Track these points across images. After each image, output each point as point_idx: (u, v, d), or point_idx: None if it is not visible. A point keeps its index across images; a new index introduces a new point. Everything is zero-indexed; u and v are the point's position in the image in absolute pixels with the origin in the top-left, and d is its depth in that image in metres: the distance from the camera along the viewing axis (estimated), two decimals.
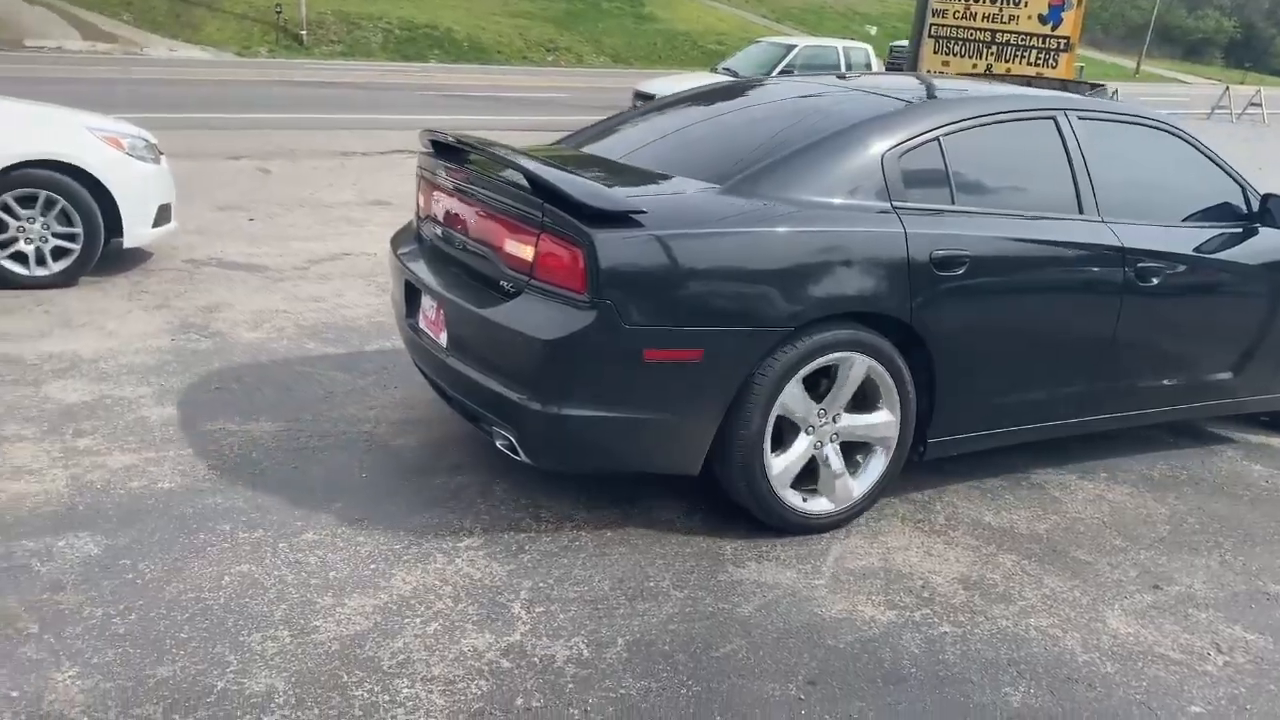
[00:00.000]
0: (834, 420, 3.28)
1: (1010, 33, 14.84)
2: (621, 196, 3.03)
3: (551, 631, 2.71)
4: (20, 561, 2.86)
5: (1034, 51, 14.65)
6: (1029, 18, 14.70)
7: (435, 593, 2.85)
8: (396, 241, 3.92)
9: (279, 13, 28.96)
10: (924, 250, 3.24)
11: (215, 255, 6.54)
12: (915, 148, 3.39)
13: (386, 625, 2.68)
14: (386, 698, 2.40)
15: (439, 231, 3.56)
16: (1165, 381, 4.04)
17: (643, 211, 2.92)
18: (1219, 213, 4.17)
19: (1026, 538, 3.47)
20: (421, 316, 3.51)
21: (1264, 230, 4.17)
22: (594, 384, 2.94)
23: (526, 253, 3.00)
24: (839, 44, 12.36)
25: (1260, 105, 25.89)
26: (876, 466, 3.41)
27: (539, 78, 25.29)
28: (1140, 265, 3.74)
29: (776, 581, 3.05)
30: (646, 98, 11.93)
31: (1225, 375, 4.20)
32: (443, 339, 3.30)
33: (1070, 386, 3.76)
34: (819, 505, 3.34)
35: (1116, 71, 47.81)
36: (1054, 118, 3.75)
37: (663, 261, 2.91)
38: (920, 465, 3.94)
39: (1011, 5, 14.90)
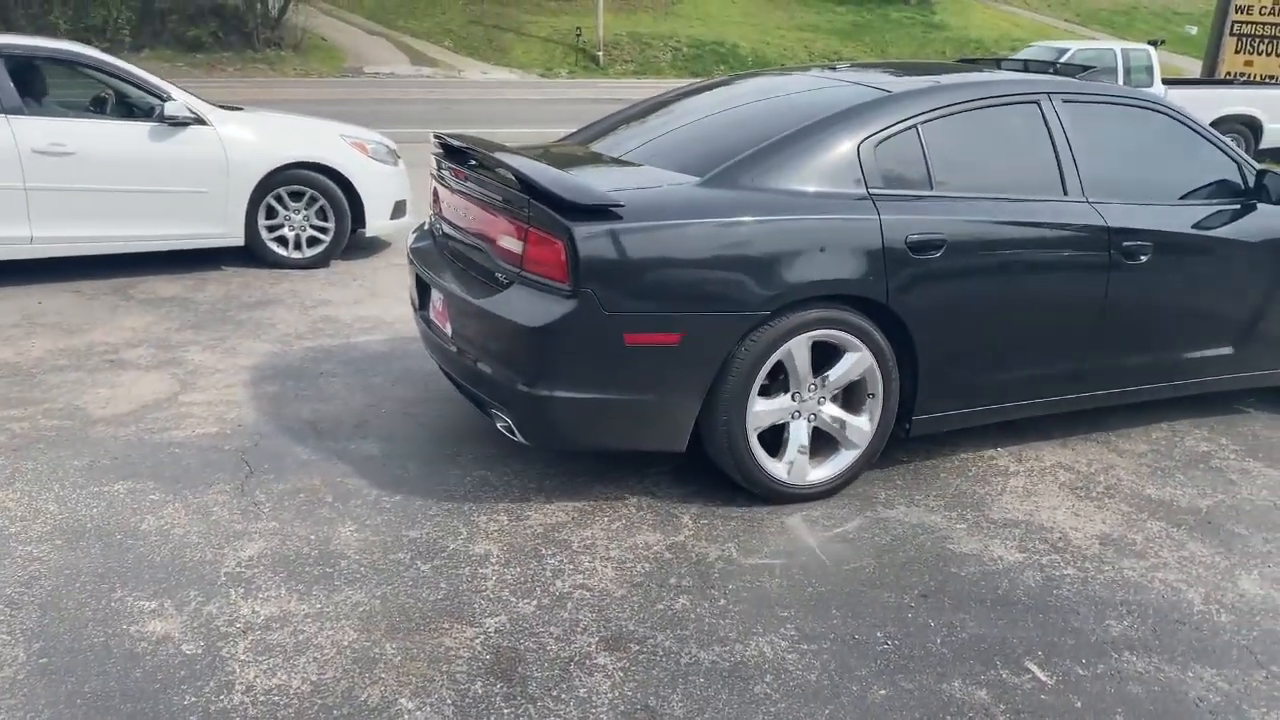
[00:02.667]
0: (818, 403, 3.49)
1: None
2: (600, 191, 3.21)
3: (710, 537, 3.28)
4: (325, 455, 3.81)
5: None
6: None
7: (623, 501, 3.50)
8: (413, 239, 4.22)
9: (579, 35, 31.25)
10: (900, 235, 3.40)
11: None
12: (892, 136, 3.54)
13: (581, 520, 3.37)
14: (571, 566, 3.08)
15: (446, 229, 3.83)
16: (1159, 357, 4.11)
17: (620, 205, 3.13)
18: (1214, 190, 4.21)
19: (1184, 510, 3.62)
20: (431, 309, 3.75)
21: (1261, 207, 4.21)
22: (578, 368, 3.17)
23: (517, 246, 3.22)
24: (1117, 46, 11.89)
25: None
26: (846, 459, 3.58)
27: None
28: (1127, 244, 3.82)
29: (920, 521, 3.45)
30: None
31: (1225, 350, 4.25)
32: (448, 329, 3.55)
33: (1058, 364, 3.87)
34: (821, 471, 3.55)
35: None
36: (1038, 102, 3.85)
37: (640, 251, 3.14)
38: (1095, 442, 4.15)
39: None
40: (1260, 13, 14.60)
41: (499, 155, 3.42)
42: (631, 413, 3.30)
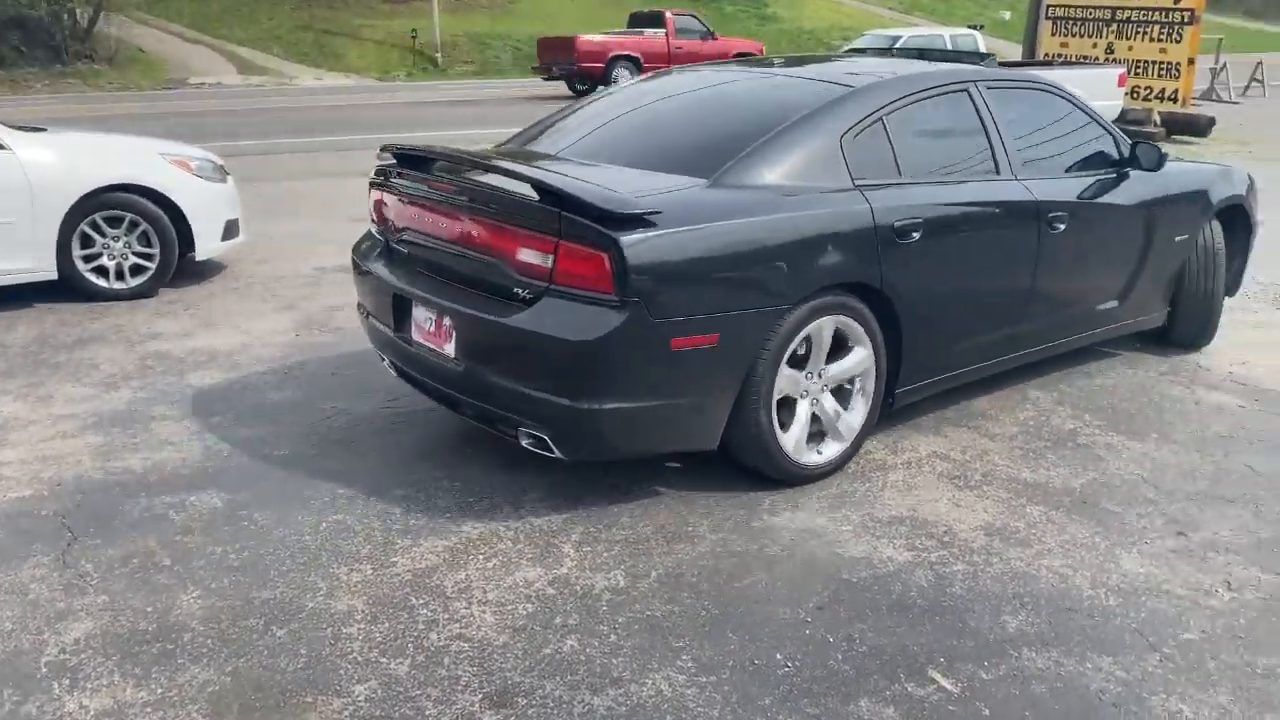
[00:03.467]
0: (821, 390, 3.66)
1: (1131, 9, 14.42)
2: (636, 200, 3.19)
3: (594, 566, 3.08)
4: (160, 512, 3.43)
5: (1156, 27, 14.21)
6: None
7: (498, 536, 3.27)
8: (363, 255, 4.05)
9: (414, 38, 30.49)
10: (887, 221, 3.61)
11: (344, 263, 7.20)
12: (866, 128, 3.75)
13: (454, 561, 3.12)
14: (445, 615, 2.83)
15: (424, 244, 3.64)
16: (1072, 314, 4.58)
17: (658, 212, 3.15)
18: (1100, 161, 4.66)
19: (1060, 491, 3.64)
20: (415, 329, 3.62)
21: (1134, 174, 4.68)
22: (628, 378, 3.16)
23: (542, 259, 3.15)
24: (946, 33, 12.31)
25: None
26: (861, 403, 3.78)
27: None
28: (1050, 215, 4.22)
29: (806, 527, 3.34)
30: None
31: (1114, 303, 4.76)
32: (449, 349, 3.43)
33: (1003, 328, 4.24)
34: (829, 451, 3.70)
35: (1277, 42, 44.96)
36: (967, 89, 4.18)
37: (681, 256, 3.16)
38: (966, 428, 4.15)
39: None
40: None
41: (509, 166, 3.42)
42: (674, 416, 3.33)
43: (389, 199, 3.84)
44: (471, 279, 3.44)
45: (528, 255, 3.21)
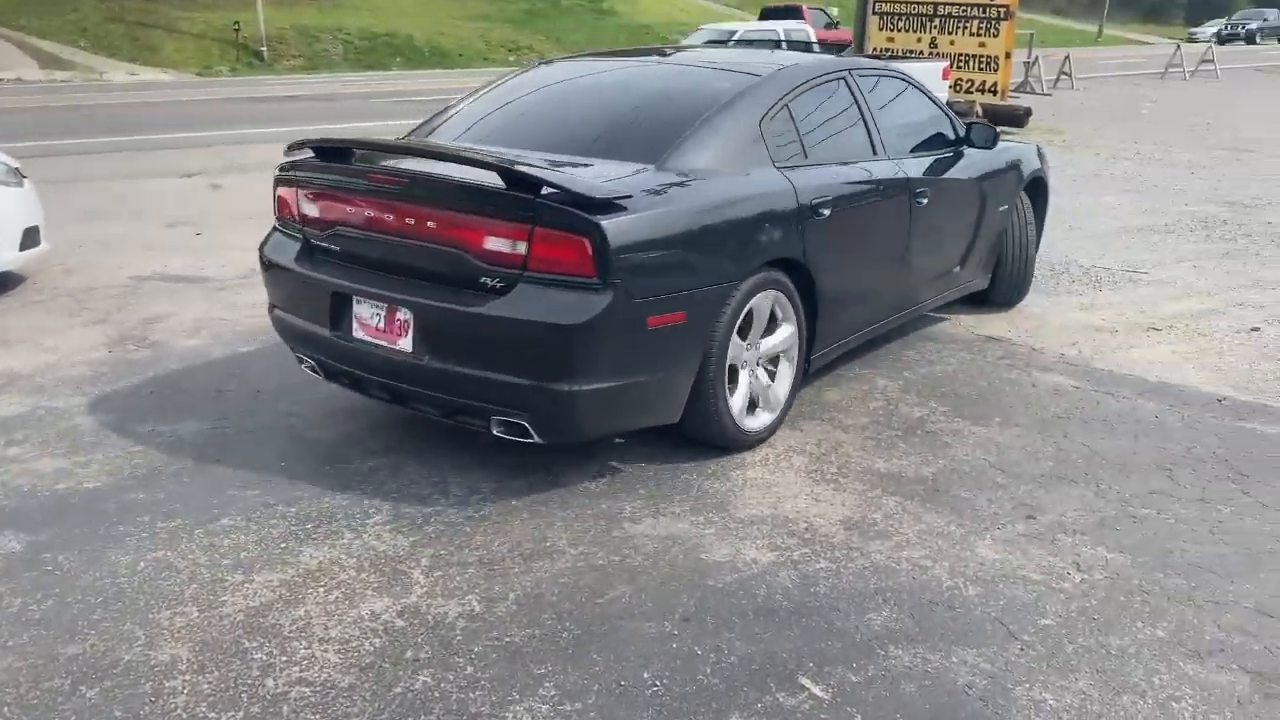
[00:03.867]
0: (756, 364, 3.90)
1: (952, 4, 15.04)
2: (608, 185, 3.32)
3: (446, 592, 2.89)
4: None
5: (975, 22, 14.87)
6: None
7: (340, 565, 3.03)
8: (277, 253, 3.89)
9: (237, 30, 29.03)
10: (806, 200, 3.90)
11: (160, 270, 6.69)
12: (778, 114, 4.04)
13: (290, 596, 2.86)
14: (284, 658, 2.58)
15: (364, 238, 3.54)
16: (932, 277, 5.06)
17: (629, 196, 3.26)
18: (942, 141, 5.13)
19: (913, 480, 3.66)
20: (356, 326, 3.53)
21: (969, 151, 5.18)
22: (611, 358, 3.25)
23: (514, 248, 3.18)
24: (780, 25, 12.52)
25: (1213, 62, 26.16)
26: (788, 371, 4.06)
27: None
28: (917, 190, 4.64)
29: (669, 533, 3.24)
30: None
31: (958, 268, 5.30)
32: (404, 344, 3.38)
33: (889, 293, 4.72)
34: (763, 419, 3.95)
35: (1080, 37, 48.08)
36: (844, 78, 4.54)
37: (651, 238, 3.28)
38: (820, 420, 4.14)
39: None
40: None
41: (468, 155, 3.50)
42: (646, 393, 3.45)
43: (306, 195, 3.71)
44: (427, 271, 3.40)
45: (495, 244, 3.22)
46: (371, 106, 17.87)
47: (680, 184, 3.51)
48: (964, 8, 14.90)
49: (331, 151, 3.66)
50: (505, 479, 3.60)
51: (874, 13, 16.04)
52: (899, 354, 5.07)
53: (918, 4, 15.47)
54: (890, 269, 4.63)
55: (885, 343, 5.21)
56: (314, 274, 3.69)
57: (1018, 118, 15.10)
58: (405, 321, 3.39)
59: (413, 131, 4.48)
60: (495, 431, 3.36)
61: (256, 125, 14.76)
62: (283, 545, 3.13)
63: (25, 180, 6.15)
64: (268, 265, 3.97)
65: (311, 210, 3.71)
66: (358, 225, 3.56)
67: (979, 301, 5.78)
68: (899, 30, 15.85)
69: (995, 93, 14.88)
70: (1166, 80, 24.90)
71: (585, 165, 3.59)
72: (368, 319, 3.51)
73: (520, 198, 3.15)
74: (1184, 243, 7.91)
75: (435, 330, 3.34)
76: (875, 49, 16.09)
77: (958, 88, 14.87)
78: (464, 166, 3.40)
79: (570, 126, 4.04)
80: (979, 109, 15.00)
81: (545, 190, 3.13)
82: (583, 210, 3.12)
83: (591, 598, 2.87)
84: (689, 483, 3.60)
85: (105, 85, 23.69)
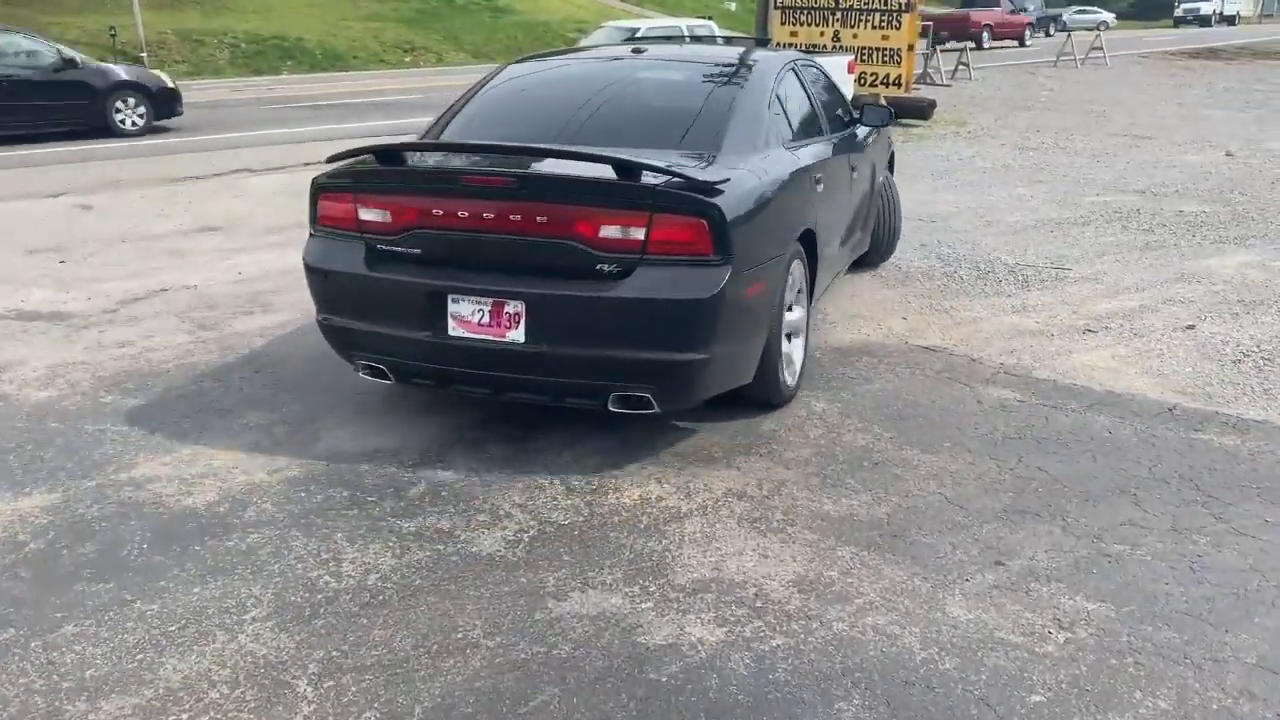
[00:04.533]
0: (791, 311, 4.27)
1: None
2: (708, 172, 3.68)
3: (340, 709, 2.42)
4: None
5: (877, 15, 14.74)
6: None
7: (209, 680, 2.53)
8: (334, 261, 3.84)
9: (114, 35, 27.52)
10: (812, 173, 4.46)
11: (14, 307, 5.99)
12: (773, 100, 4.48)
13: None
14: None
15: (449, 238, 3.62)
16: (856, 237, 5.83)
17: (727, 180, 3.60)
18: (848, 120, 5.72)
19: (866, 524, 3.31)
20: (453, 324, 3.60)
21: (859, 128, 5.77)
22: (725, 327, 3.54)
23: (632, 234, 3.43)
24: (683, 23, 12.19)
25: (1102, 49, 26.79)
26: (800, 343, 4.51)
27: (395, 80, 24.55)
28: (850, 162, 5.32)
29: (600, 611, 2.82)
30: None
31: (860, 232, 5.91)
32: (515, 336, 3.52)
33: (840, 255, 5.37)
34: (791, 379, 4.34)
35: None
36: (793, 66, 5.05)
37: (747, 215, 3.64)
38: (758, 455, 3.77)
39: None
40: None
41: (575, 152, 3.66)
42: (738, 358, 3.80)
43: (368, 201, 3.75)
44: (537, 264, 3.53)
45: (612, 232, 3.44)
46: (266, 113, 16.97)
47: (747, 167, 3.87)
48: (866, 1, 14.77)
49: (396, 156, 3.78)
50: (407, 548, 3.13)
51: (776, 7, 15.82)
52: (833, 371, 4.74)
53: None
54: (842, 233, 5.29)
55: (817, 357, 4.88)
56: (396, 276, 3.69)
57: (922, 109, 15.07)
58: (516, 314, 3.52)
59: (425, 133, 4.50)
60: (612, 407, 3.58)
61: (133, 137, 13.82)
62: (139, 657, 2.62)
63: None
64: (324, 273, 3.90)
65: (376, 215, 3.73)
66: (448, 225, 3.60)
67: (855, 265, 6.31)
68: (802, 25, 15.65)
69: (899, 85, 14.78)
70: (1060, 68, 25.37)
71: (664, 155, 3.77)
72: (468, 315, 3.58)
73: (641, 187, 3.42)
74: (1102, 235, 7.79)
75: (553, 318, 3.49)
76: (778, 44, 15.89)
77: (862, 81, 14.74)
78: (564, 162, 3.63)
79: (605, 121, 4.22)
80: (882, 101, 14.91)
81: (662, 179, 3.45)
82: (701, 194, 3.45)
83: (515, 706, 2.43)
84: (620, 543, 3.18)
85: None
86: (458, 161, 3.87)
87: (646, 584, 2.95)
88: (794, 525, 3.30)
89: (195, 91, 21.89)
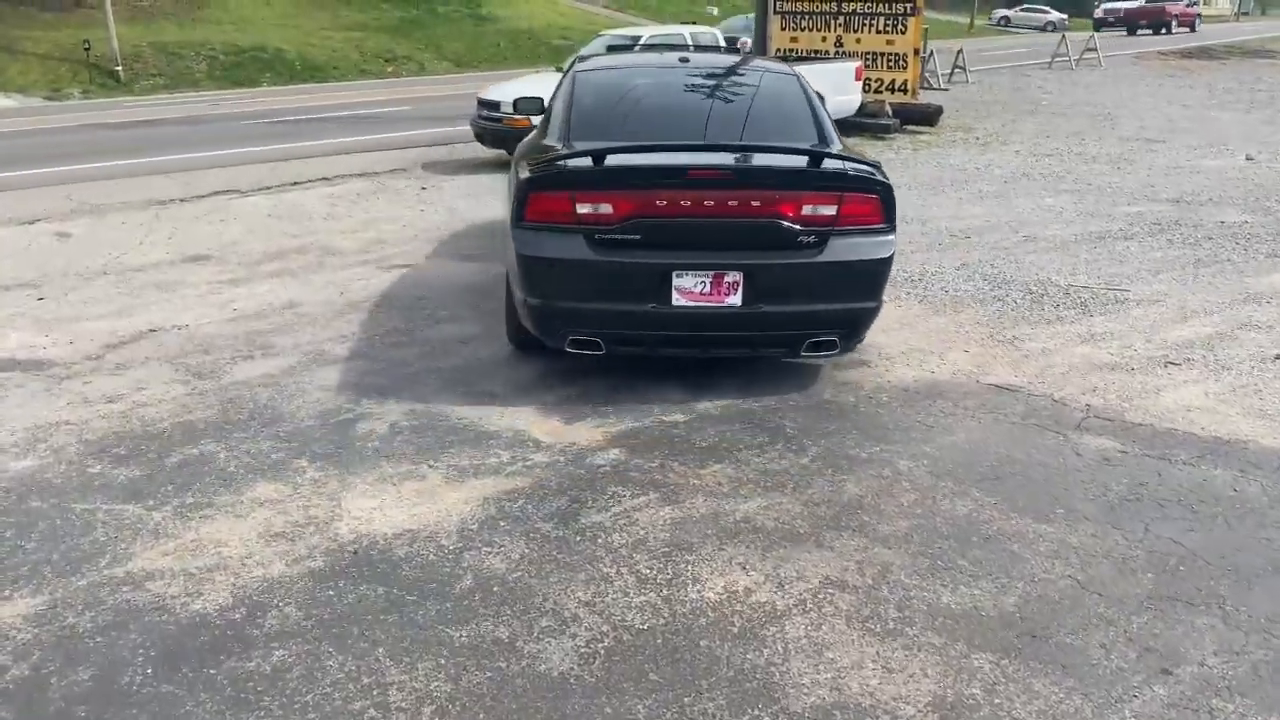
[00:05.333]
0: None
1: (856, 1, 14.48)
2: (856, 160, 4.55)
3: None
4: None
5: (881, 19, 14.34)
6: None
7: None
8: (554, 249, 4.28)
9: (88, 49, 26.85)
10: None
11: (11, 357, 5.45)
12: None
13: None
14: None
15: (670, 223, 4.24)
16: None
17: (877, 165, 4.51)
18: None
19: (996, 621, 2.83)
20: (676, 295, 4.23)
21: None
22: (888, 279, 4.50)
23: (820, 211, 4.24)
24: (685, 30, 11.74)
25: (1096, 50, 26.53)
26: None
27: (378, 91, 23.97)
28: None
29: None
30: (491, 105, 11.06)
31: None
32: (733, 300, 4.23)
33: None
34: None
35: (951, 29, 48.85)
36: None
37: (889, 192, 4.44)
38: (850, 530, 3.29)
39: None
40: None
41: (778, 146, 4.57)
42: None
43: (589, 196, 4.25)
44: (749, 240, 4.27)
45: (812, 210, 4.24)
46: (247, 128, 16.39)
47: (856, 155, 4.66)
48: (869, 4, 14.36)
49: (604, 157, 4.28)
50: (463, 668, 2.63)
51: (775, 12, 15.40)
52: (907, 418, 4.27)
53: (821, 1, 14.89)
54: None
55: (884, 400, 4.41)
56: (623, 259, 4.23)
57: (929, 116, 14.67)
58: (734, 282, 4.21)
59: (546, 134, 5.09)
60: (804, 353, 4.41)
61: (113, 156, 13.16)
62: None
63: None
64: (546, 262, 4.30)
65: (596, 208, 4.24)
66: (671, 212, 4.23)
67: None
68: (803, 30, 15.24)
69: (905, 91, 14.38)
70: (1054, 70, 25.08)
71: (795, 148, 4.53)
72: (690, 287, 4.22)
73: (835, 172, 4.35)
74: (1149, 250, 7.37)
75: (765, 284, 4.24)
76: (779, 50, 15.46)
77: (867, 87, 14.33)
78: (763, 155, 4.48)
79: (724, 121, 5.03)
80: (888, 108, 14.51)
81: (847, 165, 4.41)
82: (877, 176, 4.35)
83: None
84: (714, 655, 2.69)
85: None
86: (668, 160, 4.39)
87: (758, 714, 2.46)
88: (913, 625, 2.82)
89: (171, 108, 21.29)
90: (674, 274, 4.19)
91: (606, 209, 4.23)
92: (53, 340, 5.67)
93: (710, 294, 4.21)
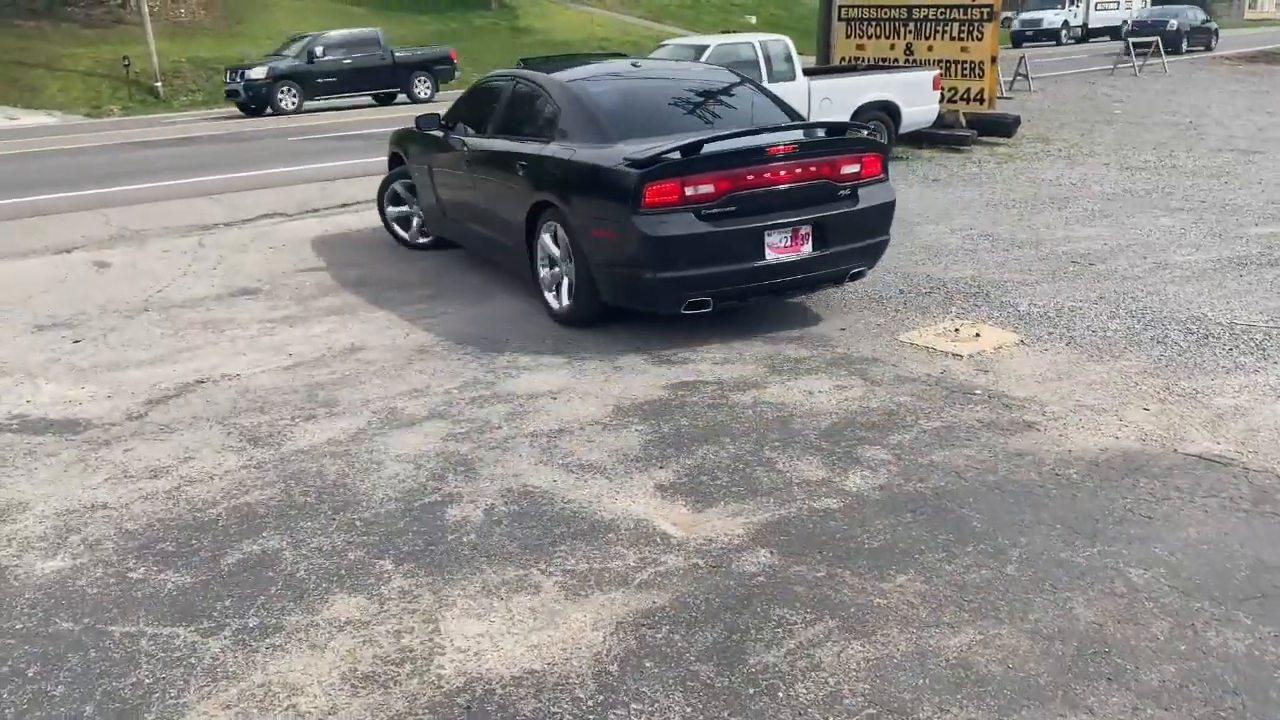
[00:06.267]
0: None
1: (928, 7, 13.71)
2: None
3: None
4: None
5: (956, 25, 13.53)
6: None
7: None
8: (675, 228, 5.05)
9: (127, 66, 26.60)
10: None
11: (18, 410, 4.82)
12: None
13: None
14: None
15: (756, 193, 5.20)
16: None
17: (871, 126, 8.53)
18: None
19: None
20: (769, 250, 5.22)
21: None
22: None
23: (854, 169, 5.47)
24: (755, 39, 11.03)
25: (1161, 57, 25.52)
26: None
27: (414, 107, 23.45)
28: None
29: None
30: None
31: None
32: (806, 249, 5.33)
33: None
34: None
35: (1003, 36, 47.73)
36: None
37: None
38: (1100, 680, 2.53)
39: None
40: None
41: (811, 122, 6.69)
42: None
43: (692, 181, 5.06)
44: (809, 199, 5.35)
45: (848, 169, 5.47)
46: (289, 146, 15.84)
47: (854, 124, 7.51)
48: (942, 9, 13.55)
49: (696, 146, 5.15)
50: None
51: (840, 19, 14.66)
52: (1114, 504, 3.50)
53: (889, 7, 14.13)
54: None
55: (1070, 475, 3.64)
56: (728, 228, 5.11)
57: (1006, 126, 13.84)
58: (806, 233, 5.30)
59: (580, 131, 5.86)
60: (848, 282, 5.78)
61: (153, 176, 12.60)
62: None
63: None
64: (667, 240, 5.03)
65: (699, 189, 5.07)
66: (756, 185, 5.19)
67: None
68: (869, 37, 14.49)
69: (982, 100, 13.55)
70: (1118, 76, 24.11)
71: (826, 122, 6.73)
72: (777, 242, 5.23)
73: (858, 139, 5.82)
74: None
75: (827, 231, 5.37)
76: (843, 58, 14.73)
77: (941, 97, 13.52)
78: (805, 131, 5.98)
79: (732, 112, 6.10)
80: (962, 118, 13.70)
81: (859, 132, 6.14)
82: (878, 138, 6.17)
83: None
84: None
85: None
86: (750, 142, 5.32)
87: None
88: None
89: (210, 124, 20.86)
90: (765, 234, 5.20)
91: (708, 189, 5.10)
92: (90, 393, 5.04)
93: (790, 245, 5.30)
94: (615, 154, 5.28)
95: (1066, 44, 39.13)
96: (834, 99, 11.59)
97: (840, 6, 14.68)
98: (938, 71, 12.51)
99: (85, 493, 3.87)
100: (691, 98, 6.16)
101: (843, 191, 5.39)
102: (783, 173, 5.20)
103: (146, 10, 26.85)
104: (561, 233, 5.55)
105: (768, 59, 11.23)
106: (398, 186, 8.11)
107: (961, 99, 13.61)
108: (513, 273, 6.77)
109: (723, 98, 6.21)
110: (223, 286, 7.20)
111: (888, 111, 12.02)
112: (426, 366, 5.25)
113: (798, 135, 5.59)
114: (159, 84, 26.68)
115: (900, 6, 13.99)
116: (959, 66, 13.58)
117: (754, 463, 3.93)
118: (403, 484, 3.84)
